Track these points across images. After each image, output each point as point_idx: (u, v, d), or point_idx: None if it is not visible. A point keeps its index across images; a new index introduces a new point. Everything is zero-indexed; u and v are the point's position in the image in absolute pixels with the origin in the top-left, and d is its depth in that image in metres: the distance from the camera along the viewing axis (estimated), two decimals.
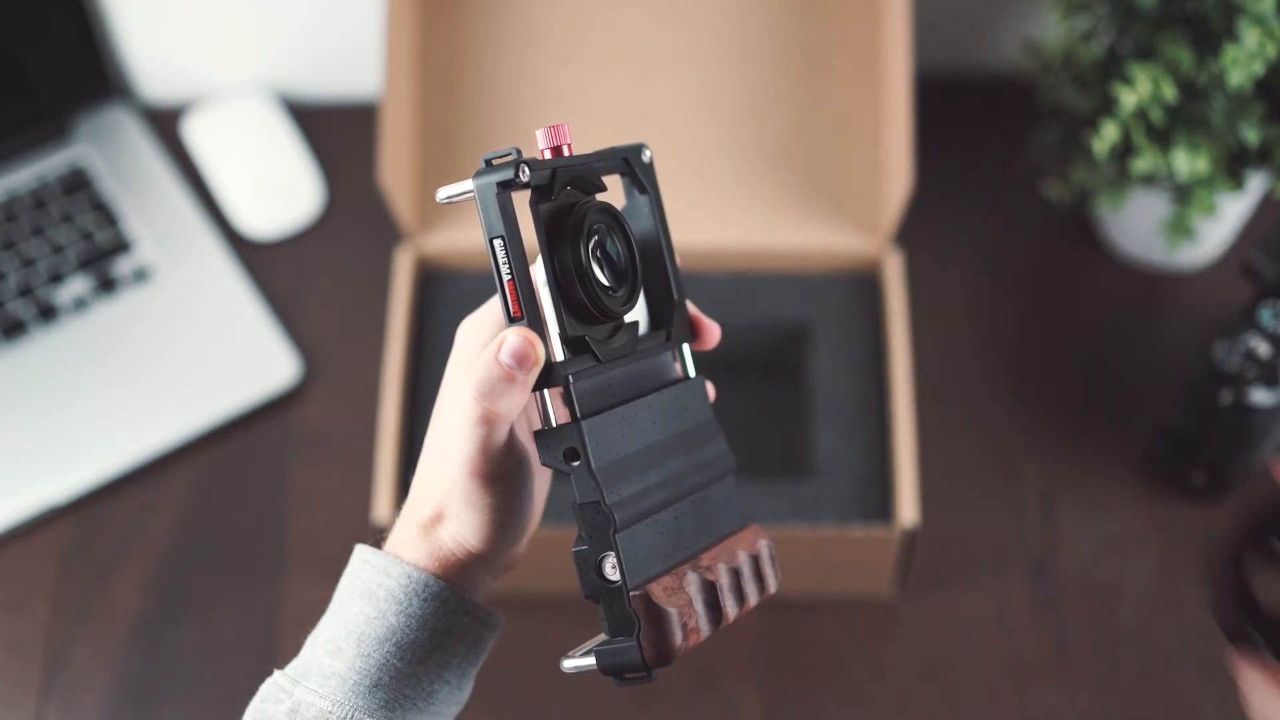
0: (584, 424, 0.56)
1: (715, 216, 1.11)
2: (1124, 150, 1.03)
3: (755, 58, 1.13)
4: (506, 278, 0.56)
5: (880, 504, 1.00)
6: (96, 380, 1.12)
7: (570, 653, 0.58)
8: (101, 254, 1.16)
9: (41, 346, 1.13)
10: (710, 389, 0.64)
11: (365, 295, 1.15)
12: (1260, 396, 0.98)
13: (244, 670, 1.02)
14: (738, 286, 1.10)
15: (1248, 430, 1.00)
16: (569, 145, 0.59)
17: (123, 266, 1.16)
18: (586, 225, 0.57)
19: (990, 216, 1.20)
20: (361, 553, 0.62)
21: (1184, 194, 1.03)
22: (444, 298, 1.09)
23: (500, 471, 0.58)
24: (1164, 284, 1.17)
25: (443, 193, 0.57)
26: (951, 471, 1.08)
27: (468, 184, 0.56)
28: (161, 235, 1.18)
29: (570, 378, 0.56)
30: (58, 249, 1.16)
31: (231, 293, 1.16)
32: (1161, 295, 1.17)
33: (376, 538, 0.63)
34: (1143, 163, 0.99)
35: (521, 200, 0.57)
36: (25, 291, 1.15)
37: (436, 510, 0.60)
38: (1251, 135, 0.97)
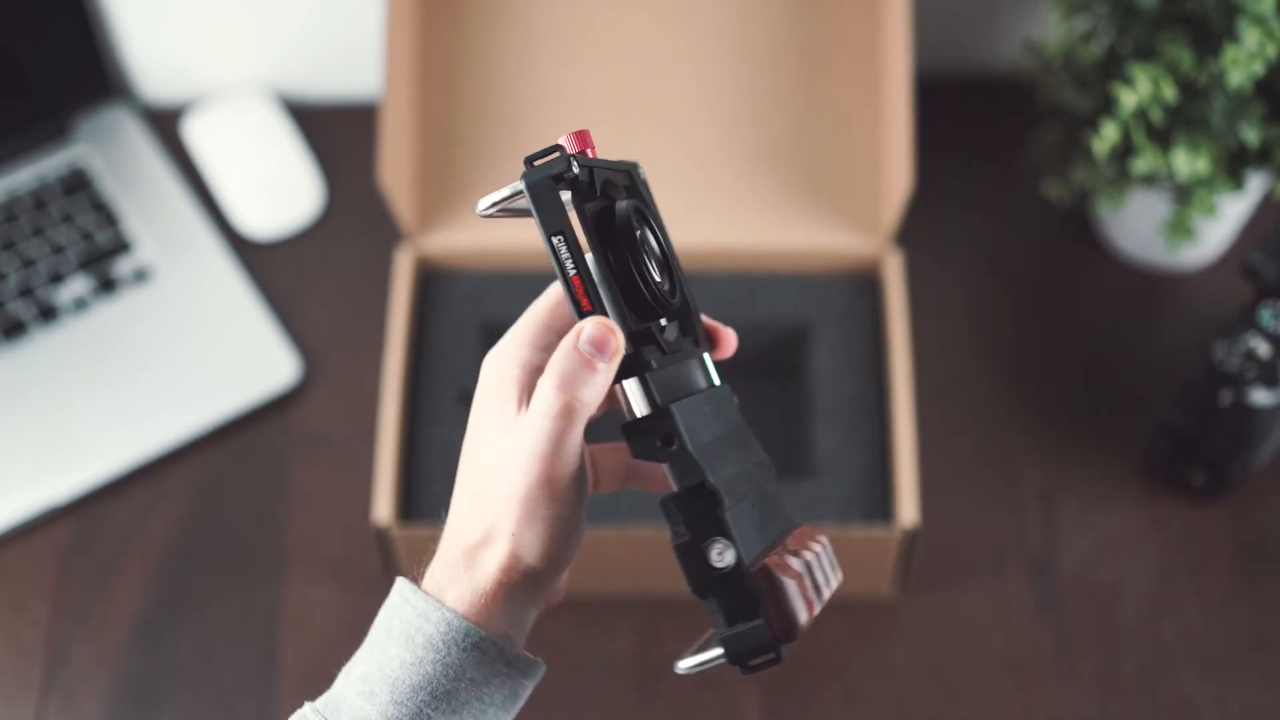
0: (674, 408, 0.55)
1: (715, 216, 1.11)
2: (1124, 150, 1.03)
3: (755, 58, 1.13)
4: (571, 273, 0.55)
5: (880, 504, 1.01)
6: (96, 380, 1.12)
7: (685, 654, 0.57)
8: (101, 254, 1.16)
9: (42, 347, 1.13)
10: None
11: (365, 295, 1.15)
12: (1260, 397, 0.98)
13: (244, 670, 1.02)
14: (738, 286, 1.10)
15: (1248, 430, 1.00)
16: (593, 149, 0.59)
17: (123, 267, 1.16)
18: (635, 222, 0.57)
19: (990, 216, 1.20)
20: (402, 589, 0.59)
21: (1184, 194, 1.03)
22: (444, 298, 1.09)
23: (569, 475, 0.57)
24: (1164, 284, 1.17)
25: (484, 202, 0.56)
26: (951, 471, 1.08)
27: (514, 185, 0.55)
28: (161, 235, 1.18)
29: (654, 364, 0.56)
30: (58, 249, 1.16)
31: (231, 293, 1.16)
32: (1161, 295, 1.17)
33: (415, 574, 0.61)
34: (1143, 163, 0.99)
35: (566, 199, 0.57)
36: (25, 292, 1.15)
37: (485, 532, 0.58)
38: (1251, 135, 0.97)
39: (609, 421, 0.63)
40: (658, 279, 0.58)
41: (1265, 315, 0.97)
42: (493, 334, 1.09)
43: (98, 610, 1.04)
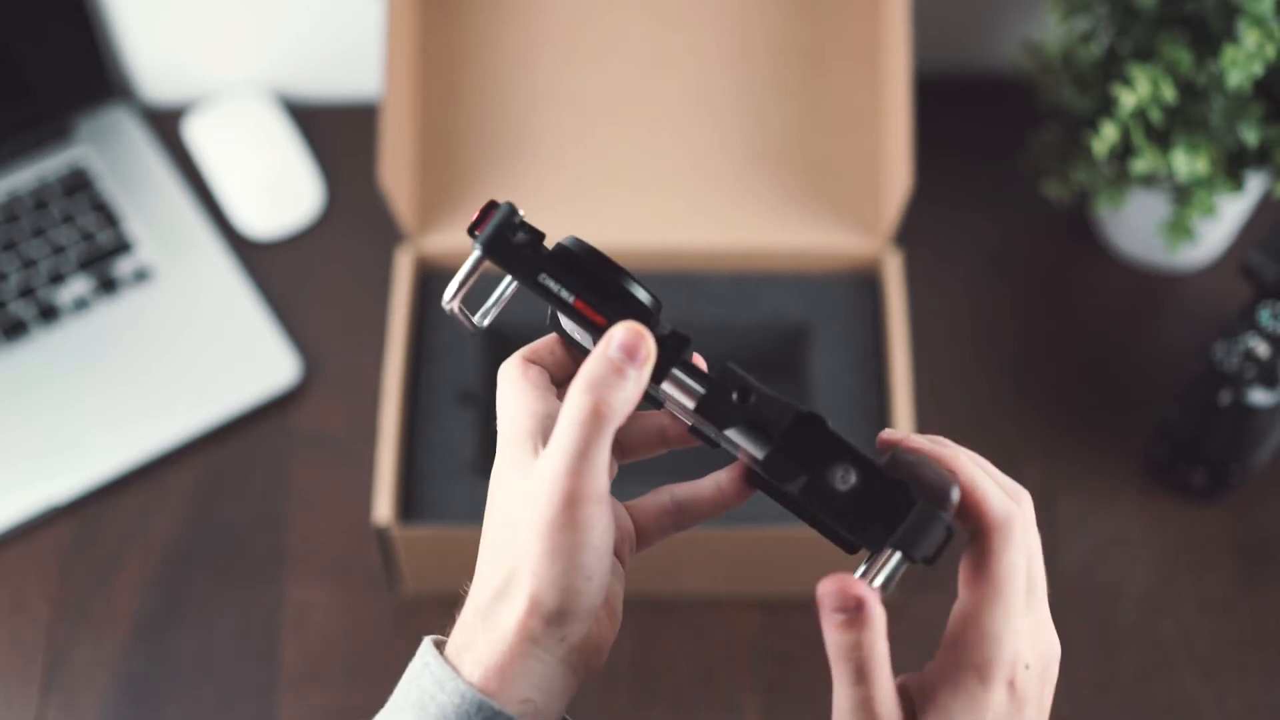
0: (730, 364, 0.54)
1: (715, 216, 1.11)
2: (1124, 150, 1.03)
3: (755, 58, 1.13)
4: (573, 299, 0.54)
5: None
6: (97, 380, 1.12)
7: (861, 578, 0.52)
8: (102, 254, 1.16)
9: (42, 347, 1.13)
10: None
11: (365, 295, 1.15)
12: (1259, 397, 0.98)
13: (244, 670, 1.02)
14: (738, 286, 1.10)
15: (1247, 430, 1.01)
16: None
17: (123, 267, 1.16)
18: (589, 247, 0.56)
19: (990, 216, 1.21)
20: (425, 652, 0.56)
21: (1183, 194, 1.03)
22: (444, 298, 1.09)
23: (596, 496, 0.52)
24: (1163, 284, 1.17)
25: (449, 291, 0.56)
26: None
27: (472, 257, 0.55)
28: (162, 236, 1.18)
29: (689, 344, 0.55)
30: (58, 249, 1.16)
31: (231, 293, 1.16)
32: (1161, 295, 1.17)
33: (438, 639, 0.57)
34: (1142, 163, 0.99)
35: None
36: (26, 292, 1.15)
37: (505, 579, 0.54)
38: (1251, 136, 0.97)
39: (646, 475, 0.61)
40: (642, 288, 0.57)
41: (1264, 315, 0.97)
42: (493, 334, 1.09)
43: (98, 610, 1.04)
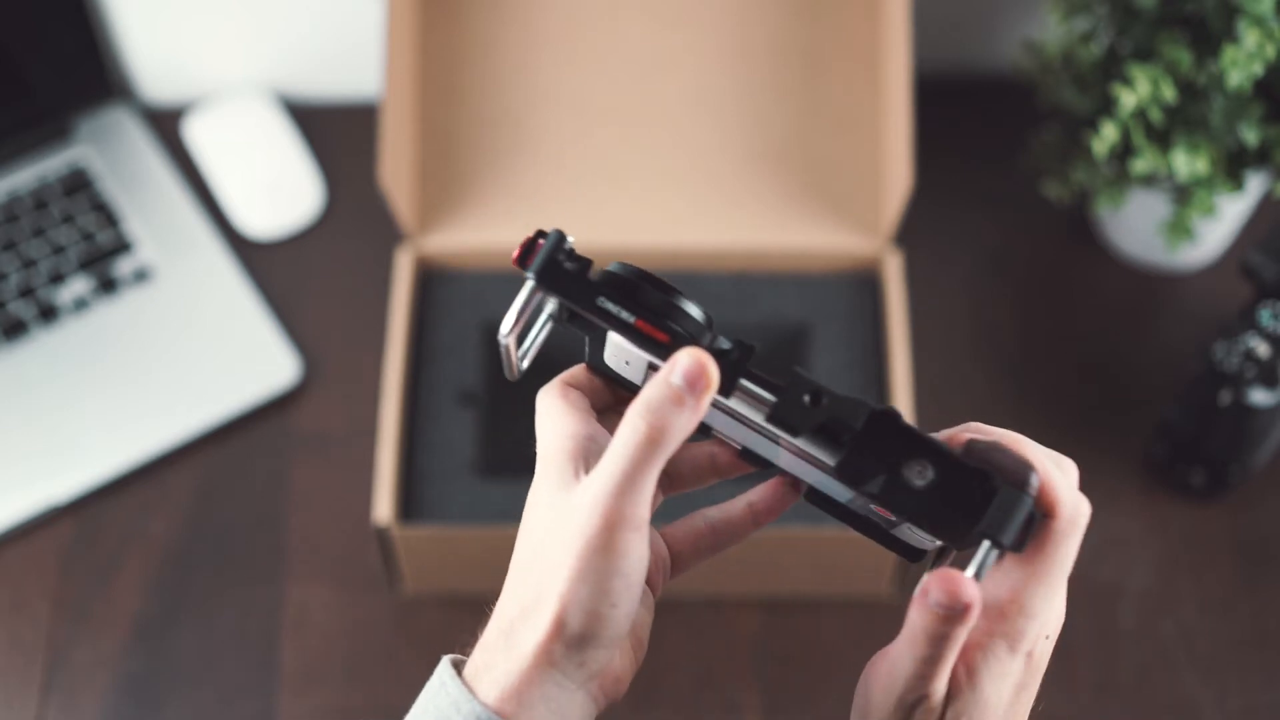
0: (798, 369, 0.53)
1: (715, 216, 1.11)
2: (1124, 150, 1.03)
3: (755, 58, 1.13)
4: (634, 319, 0.53)
5: None
6: (97, 380, 1.12)
7: (947, 579, 0.50)
8: (102, 254, 1.16)
9: (42, 347, 1.13)
10: None
11: (365, 295, 1.15)
12: (1259, 397, 0.98)
13: (244, 670, 1.02)
14: (738, 286, 1.10)
15: (1247, 430, 1.01)
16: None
17: (123, 267, 1.16)
18: (637, 269, 0.56)
19: (990, 216, 1.21)
20: (442, 671, 0.55)
21: (1183, 194, 1.03)
22: (444, 298, 1.09)
23: (637, 524, 0.52)
24: (1163, 284, 1.17)
25: (506, 324, 0.54)
26: None
27: (526, 286, 0.54)
28: (162, 236, 1.18)
29: (754, 353, 0.54)
30: (58, 249, 1.16)
31: (231, 293, 1.16)
32: (1161, 295, 1.17)
33: (457, 658, 0.56)
34: (1142, 163, 0.99)
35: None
36: (26, 292, 1.15)
37: (532, 598, 0.53)
38: (1251, 136, 0.97)
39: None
40: (695, 305, 0.56)
41: (1264, 315, 0.97)
42: (493, 334, 1.09)
43: (98, 610, 1.04)
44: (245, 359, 1.13)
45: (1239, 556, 1.06)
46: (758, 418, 0.54)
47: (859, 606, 1.04)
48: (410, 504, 1.01)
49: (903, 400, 1.01)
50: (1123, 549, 1.06)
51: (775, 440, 0.55)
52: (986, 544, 0.50)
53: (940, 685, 0.52)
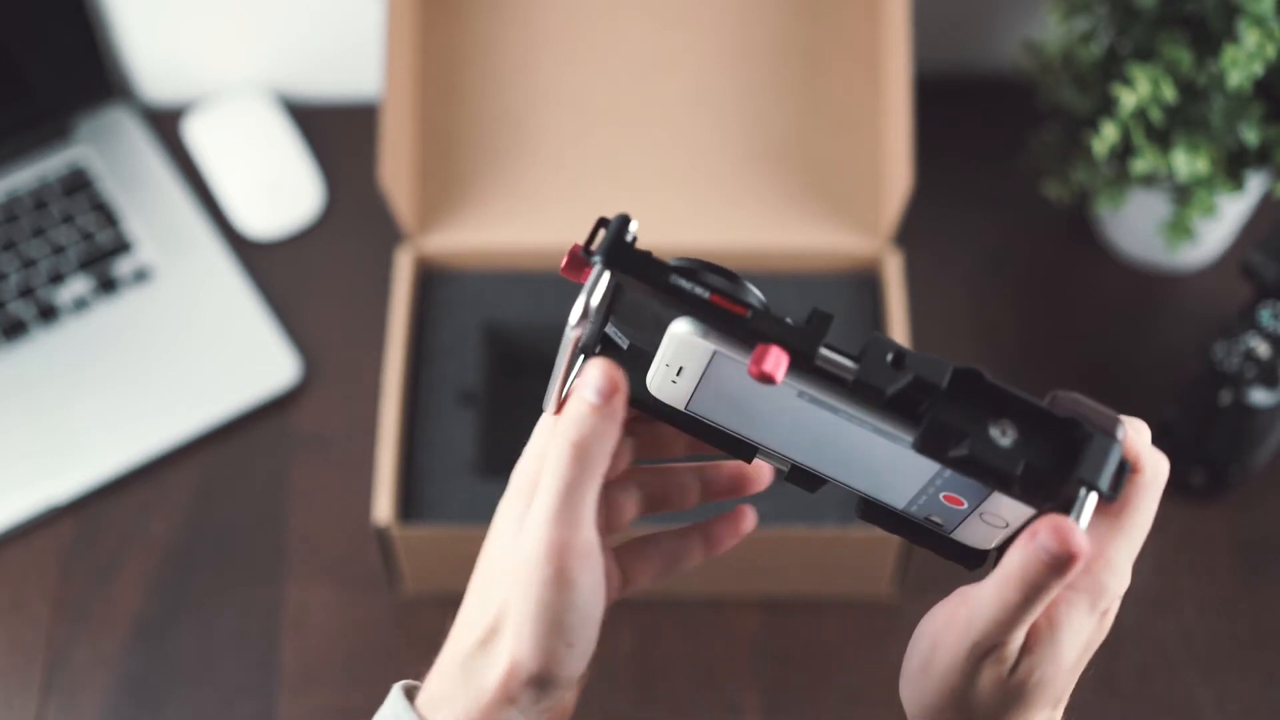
0: (876, 333, 0.51)
1: (715, 216, 1.11)
2: (1124, 150, 1.03)
3: (755, 58, 1.13)
4: (708, 295, 0.50)
5: None
6: (97, 380, 1.12)
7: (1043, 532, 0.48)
8: (102, 254, 1.16)
9: (42, 347, 1.13)
10: None
11: (365, 295, 1.15)
12: (1259, 397, 0.98)
13: (244, 670, 1.02)
14: None
15: (1247, 430, 1.00)
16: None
17: (123, 267, 1.16)
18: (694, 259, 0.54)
19: (990, 216, 1.21)
20: (396, 702, 0.54)
21: (1184, 194, 1.03)
22: (444, 298, 1.09)
23: (584, 551, 0.50)
24: (1163, 284, 1.17)
25: (575, 314, 0.51)
26: None
27: (595, 271, 0.50)
28: (162, 235, 1.18)
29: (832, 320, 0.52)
30: (58, 249, 1.16)
31: (231, 293, 1.16)
32: (1161, 295, 1.17)
33: (410, 685, 0.56)
34: (1142, 163, 0.99)
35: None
36: (26, 292, 1.15)
37: (487, 630, 0.52)
38: (1251, 136, 0.97)
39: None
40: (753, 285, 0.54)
41: (1264, 315, 0.97)
42: (493, 334, 1.09)
43: (98, 610, 1.04)
44: (245, 359, 1.13)
45: (1239, 556, 1.06)
46: (834, 399, 0.51)
47: (859, 606, 1.04)
48: (410, 504, 1.01)
49: None
50: None
51: (839, 431, 0.52)
52: (1084, 492, 0.49)
53: (1019, 636, 0.51)
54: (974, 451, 0.49)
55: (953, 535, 0.55)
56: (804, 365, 0.50)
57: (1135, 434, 0.51)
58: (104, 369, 1.12)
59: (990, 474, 0.50)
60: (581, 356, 0.55)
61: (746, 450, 0.56)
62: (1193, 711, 1.00)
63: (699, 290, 0.50)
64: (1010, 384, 0.50)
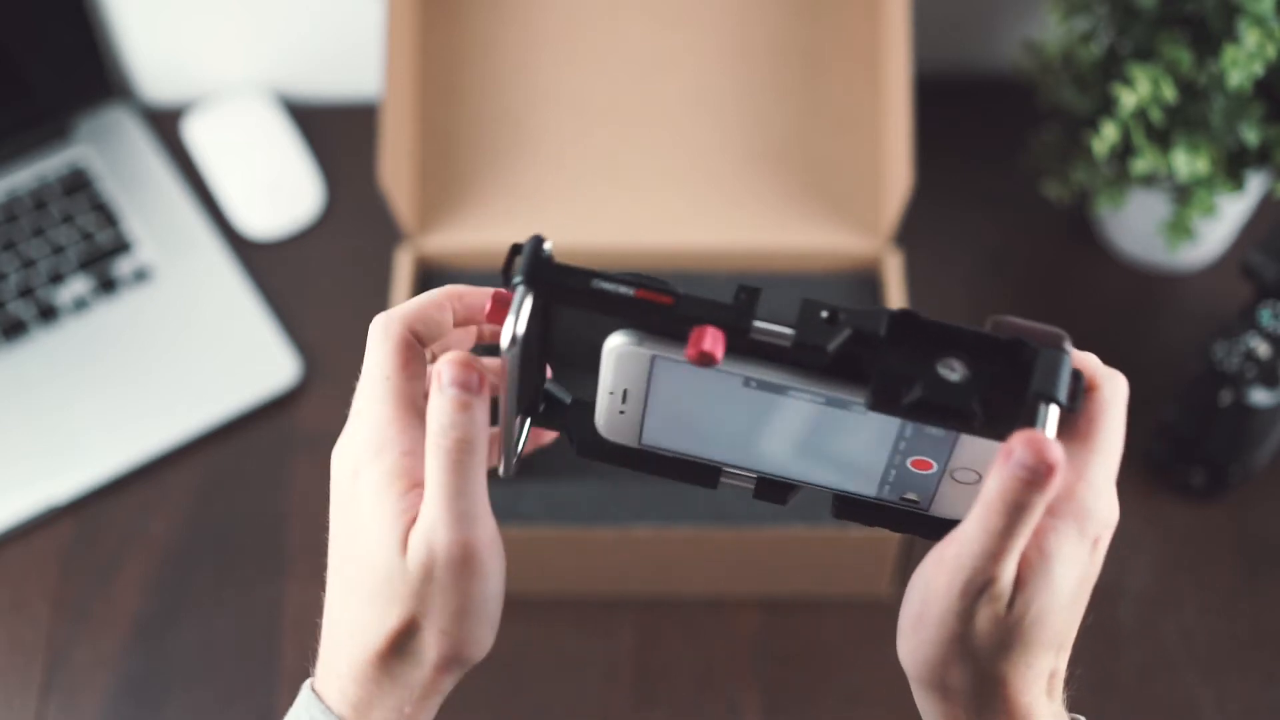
0: (805, 298, 0.50)
1: (715, 216, 1.11)
2: (1124, 150, 1.03)
3: (755, 58, 1.13)
4: (633, 292, 0.50)
5: None
6: (97, 380, 1.12)
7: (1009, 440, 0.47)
8: (102, 254, 1.16)
9: (42, 347, 1.13)
10: None
11: (365, 295, 1.15)
12: (1260, 397, 0.98)
13: (244, 670, 1.02)
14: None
15: (1247, 430, 1.00)
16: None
17: (123, 267, 1.16)
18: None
19: (990, 216, 1.21)
20: (310, 706, 0.54)
21: (1184, 194, 1.03)
22: None
23: (489, 538, 0.51)
24: (1164, 284, 1.17)
25: (505, 337, 0.50)
26: None
27: (518, 294, 0.50)
28: (162, 235, 1.18)
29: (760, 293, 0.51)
30: (58, 249, 1.16)
31: (231, 293, 1.16)
32: (1161, 295, 1.17)
33: (316, 697, 0.55)
34: (1142, 163, 0.99)
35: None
36: (25, 292, 1.15)
37: (402, 624, 0.51)
38: (1251, 136, 0.97)
39: None
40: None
41: (1265, 315, 0.97)
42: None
43: (98, 610, 1.04)
44: (245, 359, 1.13)
45: (1239, 556, 1.06)
46: (780, 376, 0.50)
47: (859, 606, 1.04)
48: None
49: None
50: (1123, 549, 1.06)
51: (794, 415, 0.51)
52: (1043, 407, 0.48)
53: (1010, 567, 0.49)
54: (926, 393, 0.48)
55: (932, 512, 0.54)
56: (741, 340, 0.49)
57: (1085, 355, 0.51)
58: (104, 369, 1.12)
59: (947, 414, 0.49)
60: (522, 416, 0.54)
61: (709, 475, 0.55)
62: (1193, 711, 1.00)
63: (623, 289, 0.50)
64: (948, 319, 0.49)
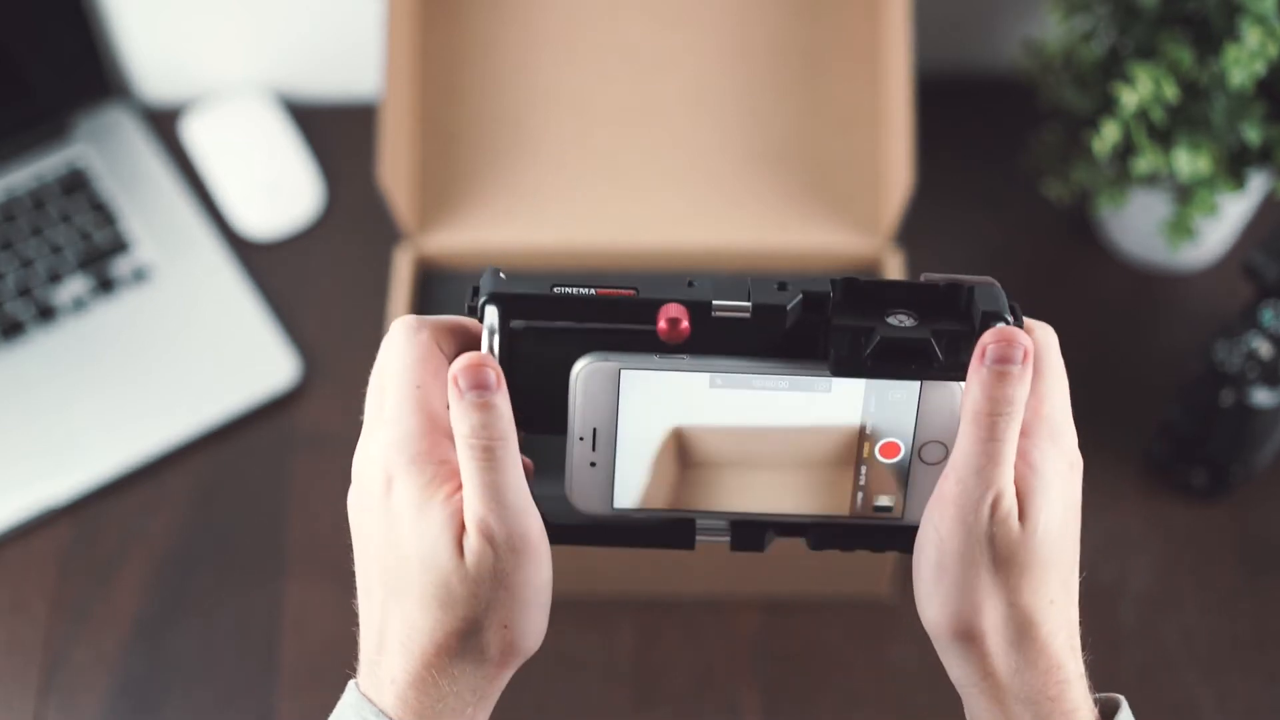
0: (748, 278, 0.54)
1: (715, 216, 1.11)
2: (1125, 150, 1.03)
3: (755, 58, 1.13)
4: (594, 291, 0.52)
5: None
6: (96, 380, 1.12)
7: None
8: (100, 254, 1.16)
9: (41, 347, 1.13)
10: None
11: (365, 295, 1.15)
12: (1261, 397, 0.98)
13: (244, 670, 1.02)
14: None
15: (1249, 431, 1.00)
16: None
17: (122, 266, 1.16)
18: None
19: (991, 216, 1.20)
20: (359, 708, 0.55)
21: (1185, 194, 1.03)
22: (444, 298, 1.09)
23: (538, 531, 0.52)
24: (1165, 284, 1.17)
25: (489, 356, 0.52)
26: None
27: (488, 317, 0.52)
28: (161, 235, 1.18)
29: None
30: (56, 249, 1.16)
31: (231, 293, 1.16)
32: (1162, 295, 1.17)
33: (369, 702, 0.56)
34: (1144, 163, 0.99)
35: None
36: (24, 292, 1.14)
37: (462, 624, 0.52)
38: (1252, 135, 0.97)
39: None
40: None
41: (1266, 315, 0.97)
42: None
43: (97, 610, 1.04)
44: (245, 359, 1.13)
45: (1240, 557, 1.06)
46: (745, 364, 0.52)
47: (859, 607, 1.04)
48: None
49: None
50: (1123, 549, 1.06)
51: (763, 413, 0.53)
52: (995, 325, 0.51)
53: (1008, 474, 0.50)
54: (884, 337, 0.51)
55: (906, 519, 0.55)
56: (705, 323, 0.52)
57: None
58: (103, 369, 1.12)
59: (908, 355, 0.51)
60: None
61: (685, 535, 0.56)
62: (1193, 711, 1.00)
63: (583, 290, 0.52)
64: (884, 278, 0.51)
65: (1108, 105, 1.03)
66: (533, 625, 0.53)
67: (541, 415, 0.54)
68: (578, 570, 1.01)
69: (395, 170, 1.06)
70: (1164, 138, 1.00)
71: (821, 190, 1.11)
